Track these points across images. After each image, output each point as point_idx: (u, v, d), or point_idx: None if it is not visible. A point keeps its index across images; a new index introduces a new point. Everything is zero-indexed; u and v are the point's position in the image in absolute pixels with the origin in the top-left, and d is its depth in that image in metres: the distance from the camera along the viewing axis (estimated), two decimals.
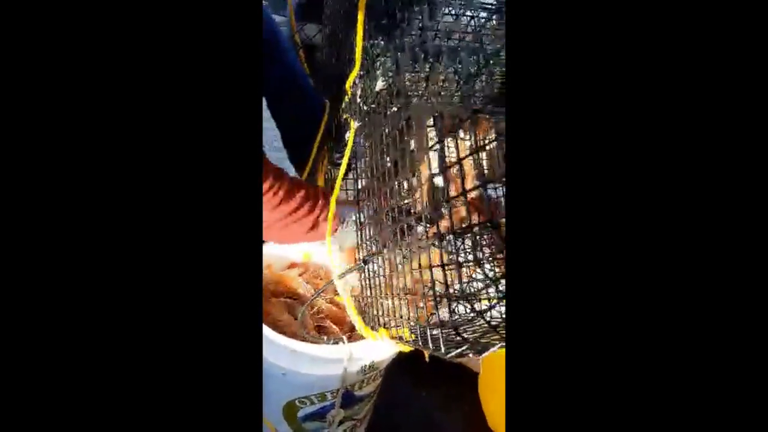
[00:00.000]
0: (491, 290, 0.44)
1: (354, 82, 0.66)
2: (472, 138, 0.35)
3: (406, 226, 0.48)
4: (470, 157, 0.37)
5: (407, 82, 0.48)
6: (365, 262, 0.61)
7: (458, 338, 0.40)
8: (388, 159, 0.53)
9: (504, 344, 0.39)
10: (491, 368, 0.89)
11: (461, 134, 0.45)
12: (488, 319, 0.36)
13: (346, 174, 0.75)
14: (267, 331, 0.64)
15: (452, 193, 0.41)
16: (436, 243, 0.42)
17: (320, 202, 0.67)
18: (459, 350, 0.39)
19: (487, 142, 0.32)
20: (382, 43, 0.56)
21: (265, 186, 0.61)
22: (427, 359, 1.02)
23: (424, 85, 0.45)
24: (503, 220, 0.53)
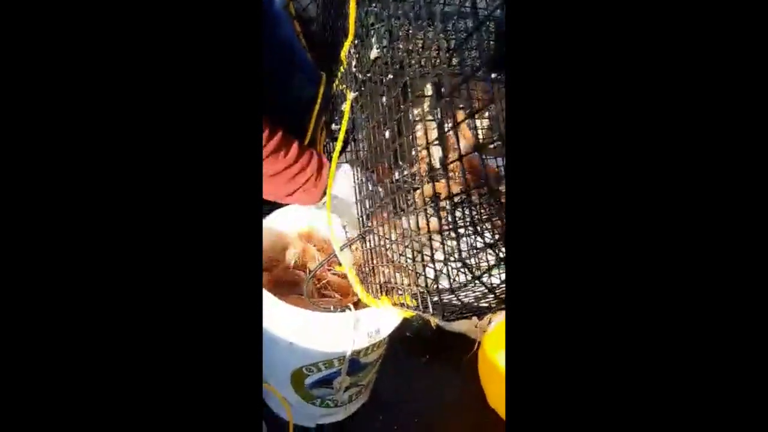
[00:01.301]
0: (488, 254, 0.44)
1: (349, 52, 0.65)
2: (467, 105, 0.35)
3: (404, 195, 0.48)
4: (467, 124, 0.37)
5: (401, 52, 0.47)
6: (365, 233, 0.62)
7: (457, 302, 0.41)
8: (386, 130, 0.53)
9: (501, 307, 0.40)
10: (490, 349, 0.89)
11: (457, 102, 0.45)
12: (485, 282, 0.37)
13: (344, 146, 0.75)
14: (274, 300, 0.65)
15: (450, 157, 0.41)
16: (433, 208, 0.42)
17: (313, 163, 0.67)
18: (458, 313, 0.40)
19: (478, 108, 0.32)
20: (376, 10, 0.55)
21: None
22: (433, 326, 1.04)
23: (419, 53, 0.44)
24: (501, 188, 0.53)
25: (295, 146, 0.68)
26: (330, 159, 0.72)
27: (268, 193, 0.70)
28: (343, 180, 0.71)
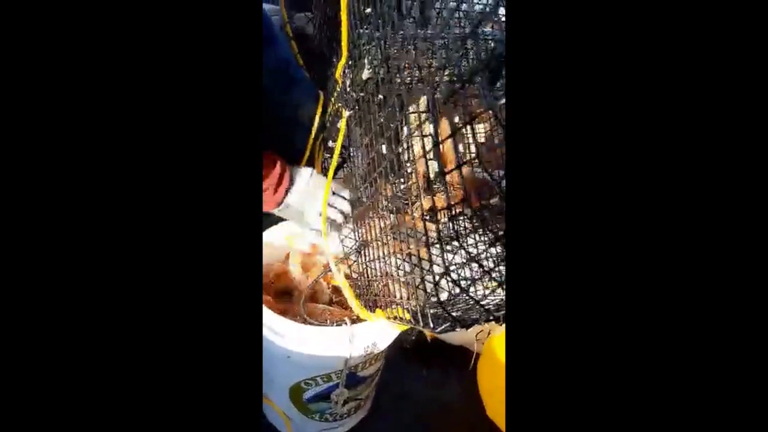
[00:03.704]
0: (474, 267, 0.45)
1: (343, 72, 0.67)
2: (450, 119, 0.36)
3: (396, 209, 0.49)
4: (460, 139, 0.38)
5: (391, 72, 0.49)
6: (361, 247, 0.63)
7: (446, 315, 0.41)
8: (379, 145, 0.55)
9: (490, 318, 0.41)
10: (489, 361, 0.90)
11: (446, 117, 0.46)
12: (472, 294, 0.38)
13: (341, 162, 0.77)
14: (272, 315, 0.66)
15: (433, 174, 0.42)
16: (427, 220, 0.43)
17: (275, 171, 0.68)
18: (446, 325, 0.41)
19: (461, 124, 0.33)
20: (368, 32, 0.57)
21: None
22: (429, 340, 1.04)
23: (407, 72, 0.46)
24: (494, 201, 0.54)
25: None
26: (326, 174, 0.74)
27: None
28: (299, 187, 0.73)
